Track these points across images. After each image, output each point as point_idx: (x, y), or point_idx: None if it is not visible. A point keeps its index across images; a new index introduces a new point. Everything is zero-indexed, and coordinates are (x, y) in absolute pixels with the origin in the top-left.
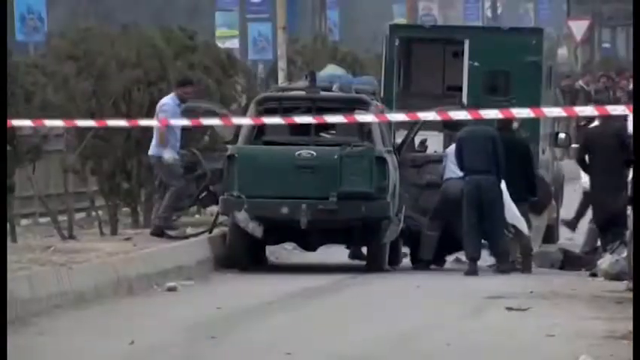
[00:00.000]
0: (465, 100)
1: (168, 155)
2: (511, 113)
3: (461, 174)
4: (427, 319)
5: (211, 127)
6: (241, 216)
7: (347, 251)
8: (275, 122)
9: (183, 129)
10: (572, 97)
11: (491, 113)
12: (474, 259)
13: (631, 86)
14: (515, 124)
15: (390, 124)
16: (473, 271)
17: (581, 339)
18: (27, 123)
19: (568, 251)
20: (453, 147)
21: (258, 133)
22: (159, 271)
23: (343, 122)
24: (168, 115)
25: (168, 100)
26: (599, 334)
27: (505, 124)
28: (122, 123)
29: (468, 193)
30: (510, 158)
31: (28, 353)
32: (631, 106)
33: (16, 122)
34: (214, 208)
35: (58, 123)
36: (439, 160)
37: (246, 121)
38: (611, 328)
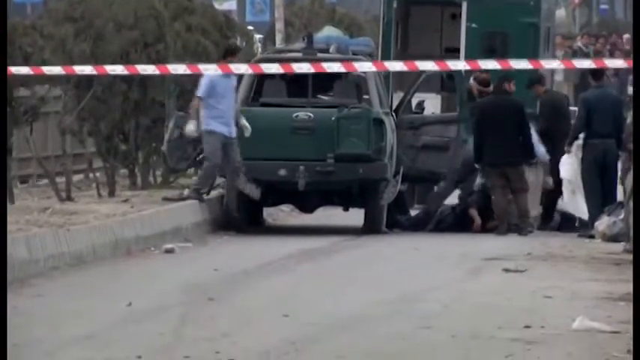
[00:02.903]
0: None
1: (189, 127)
2: (508, 64)
3: None
4: (425, 281)
5: None
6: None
7: (344, 213)
8: (273, 72)
9: None
10: (570, 58)
11: (489, 64)
12: (594, 220)
13: (625, 44)
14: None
15: (386, 86)
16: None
17: (578, 300)
18: (25, 69)
19: (565, 213)
20: None
21: (255, 95)
22: (156, 232)
23: (340, 84)
24: (202, 89)
25: (208, 73)
26: (597, 295)
27: (500, 86)
28: (120, 69)
29: (594, 158)
30: (505, 120)
31: (26, 314)
32: (630, 61)
33: (14, 68)
34: None
35: (57, 69)
36: (436, 121)
37: (244, 67)
38: (609, 289)
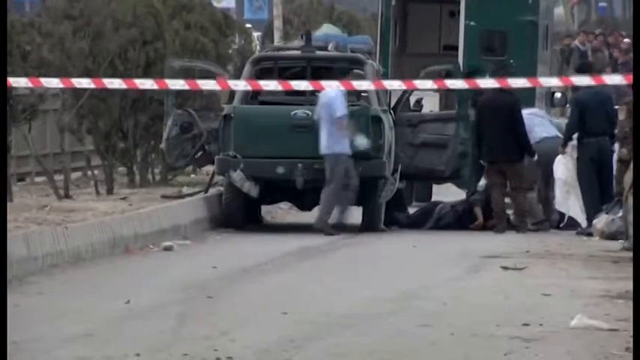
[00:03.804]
0: (461, 59)
1: (361, 142)
2: (507, 82)
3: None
4: (424, 279)
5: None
6: (237, 176)
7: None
8: (272, 88)
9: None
10: (567, 57)
11: (489, 82)
12: (592, 218)
13: (622, 45)
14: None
15: None
16: (588, 231)
17: (576, 298)
18: (24, 81)
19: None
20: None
21: (254, 92)
22: (155, 230)
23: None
24: (342, 108)
25: (334, 93)
26: (595, 293)
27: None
28: (118, 82)
29: (590, 157)
30: (502, 118)
31: (26, 312)
32: (629, 76)
33: (13, 80)
34: (210, 168)
35: (55, 81)
36: (434, 119)
37: (242, 84)
38: (607, 287)
